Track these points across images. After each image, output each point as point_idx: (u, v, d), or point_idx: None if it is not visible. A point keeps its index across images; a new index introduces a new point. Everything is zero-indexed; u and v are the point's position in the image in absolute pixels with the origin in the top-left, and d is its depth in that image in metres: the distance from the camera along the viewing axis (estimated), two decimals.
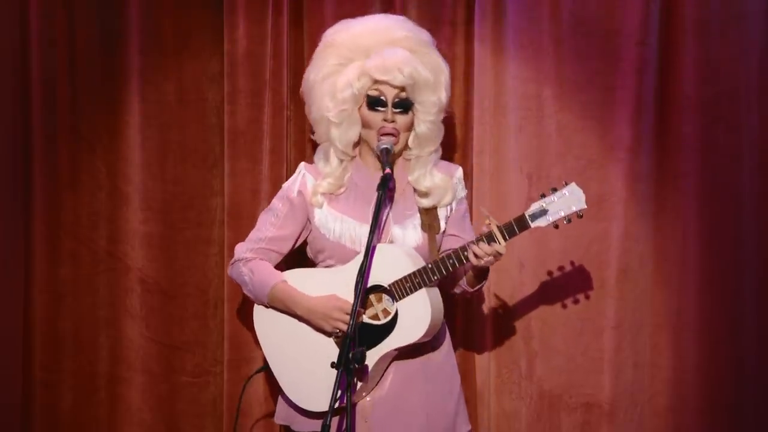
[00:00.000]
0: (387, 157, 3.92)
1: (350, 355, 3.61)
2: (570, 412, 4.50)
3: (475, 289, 4.04)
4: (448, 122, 4.29)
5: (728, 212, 4.44)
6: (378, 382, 3.95)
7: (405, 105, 4.00)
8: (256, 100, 4.61)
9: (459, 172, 4.13)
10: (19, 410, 4.64)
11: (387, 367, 3.95)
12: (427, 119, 4.04)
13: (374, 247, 3.88)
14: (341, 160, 4.08)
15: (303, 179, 4.12)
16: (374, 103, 4.00)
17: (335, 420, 3.86)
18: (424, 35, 4.15)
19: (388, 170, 3.86)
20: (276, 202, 4.15)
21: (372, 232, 3.76)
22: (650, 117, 4.48)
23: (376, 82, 3.98)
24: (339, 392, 3.62)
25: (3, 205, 4.59)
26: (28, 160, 4.65)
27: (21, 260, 4.64)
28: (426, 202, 4.03)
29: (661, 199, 4.48)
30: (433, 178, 4.05)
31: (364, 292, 3.88)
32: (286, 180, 4.58)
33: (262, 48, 4.61)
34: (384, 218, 4.01)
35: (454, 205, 4.09)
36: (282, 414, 4.12)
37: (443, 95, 4.07)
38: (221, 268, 4.65)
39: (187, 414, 4.68)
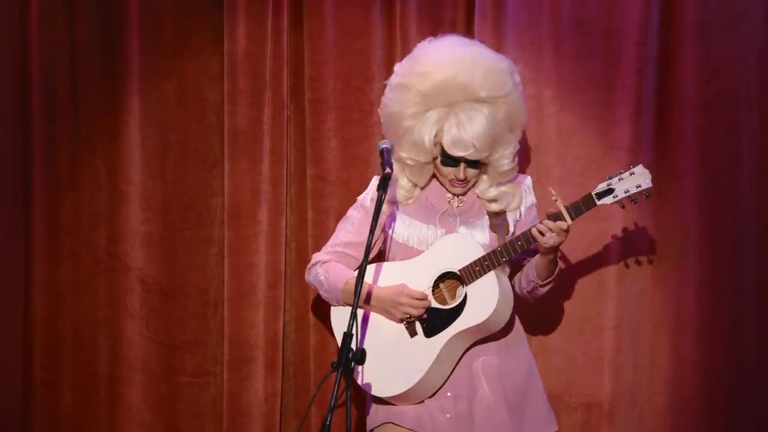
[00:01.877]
0: (388, 157, 3.93)
1: (350, 354, 3.61)
2: (570, 412, 4.50)
3: (545, 282, 4.02)
4: None
5: (728, 212, 4.44)
6: (451, 374, 3.98)
7: (479, 164, 4.01)
8: (256, 100, 4.62)
9: (528, 180, 4.15)
10: (19, 410, 4.64)
11: (461, 359, 3.98)
12: (499, 168, 4.05)
13: (439, 239, 4.00)
14: (414, 185, 4.12)
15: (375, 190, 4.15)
16: (448, 159, 3.99)
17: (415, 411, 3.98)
18: (506, 77, 4.02)
19: (388, 170, 3.87)
20: (351, 211, 4.18)
21: (372, 231, 3.77)
22: (650, 117, 4.48)
23: None
24: (336, 391, 3.62)
25: (3, 205, 4.59)
26: (28, 160, 4.64)
27: (21, 260, 4.64)
28: (495, 206, 4.06)
29: (661, 199, 4.48)
30: (499, 187, 4.07)
31: (362, 292, 3.90)
32: (287, 180, 4.60)
33: (262, 48, 4.61)
34: (438, 221, 4.06)
35: (523, 210, 4.11)
36: (380, 414, 4.08)
37: (518, 136, 4.07)
38: (221, 268, 4.65)
39: (187, 414, 4.68)
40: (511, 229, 4.07)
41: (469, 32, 4.53)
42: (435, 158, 4.02)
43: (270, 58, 4.61)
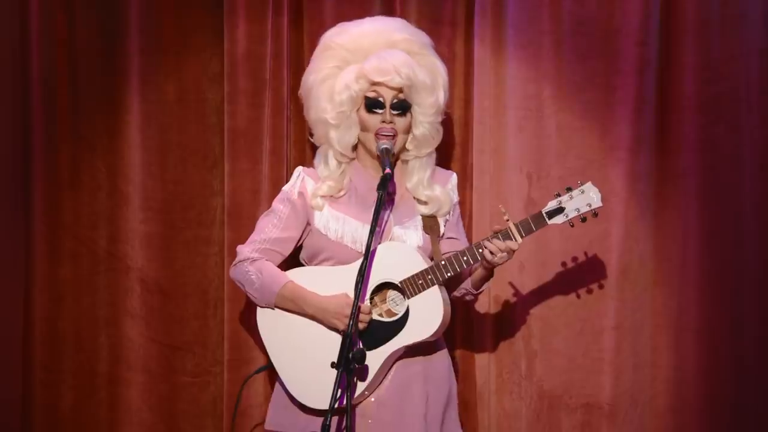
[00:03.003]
0: (388, 157, 3.92)
1: (350, 355, 3.61)
2: (570, 412, 4.50)
3: (479, 291, 4.04)
4: (447, 122, 4.29)
5: (728, 212, 4.44)
6: (381, 381, 3.95)
7: (403, 106, 4.00)
8: (256, 100, 4.62)
9: (453, 179, 4.15)
10: (20, 410, 4.64)
11: (390, 367, 3.95)
12: (425, 121, 4.04)
13: (376, 247, 3.91)
14: (340, 163, 4.09)
15: (303, 182, 4.12)
16: (372, 105, 4.00)
17: (333, 419, 3.87)
18: (424, 37, 4.16)
19: (388, 170, 3.86)
20: (277, 204, 4.15)
21: (372, 232, 3.76)
22: (650, 117, 4.48)
23: (374, 84, 3.99)
24: (339, 392, 3.62)
25: (3, 205, 4.59)
26: (28, 160, 4.65)
27: (21, 260, 4.64)
28: (425, 210, 4.05)
29: (662, 199, 4.48)
30: (433, 190, 4.07)
31: (365, 291, 3.89)
32: (287, 180, 4.60)
33: (262, 48, 4.61)
34: (385, 220, 4.02)
35: (450, 211, 4.11)
36: (275, 420, 4.08)
37: (441, 97, 4.08)
38: (221, 268, 4.65)
39: (187, 414, 4.68)
40: (442, 230, 4.06)
41: (469, 31, 4.54)
42: (358, 109, 4.01)
43: (270, 58, 4.61)
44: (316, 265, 4.07)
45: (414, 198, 4.07)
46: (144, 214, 4.67)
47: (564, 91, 4.50)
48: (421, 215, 4.04)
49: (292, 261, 4.17)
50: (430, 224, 4.03)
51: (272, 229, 4.10)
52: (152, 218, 4.67)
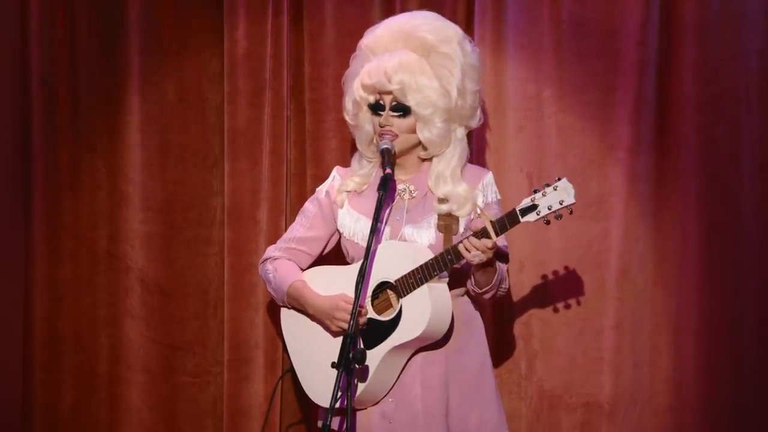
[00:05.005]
0: (388, 157, 3.91)
1: (350, 355, 3.61)
2: (570, 412, 4.50)
3: (483, 291, 3.92)
4: None
5: (728, 212, 4.44)
6: (396, 381, 3.93)
7: (402, 109, 3.96)
8: (256, 100, 4.62)
9: (488, 177, 4.05)
10: (20, 410, 4.64)
11: (405, 367, 3.93)
12: (426, 124, 3.97)
13: (377, 247, 3.90)
14: (369, 161, 4.09)
15: (332, 181, 4.14)
16: (374, 107, 3.99)
17: (337, 419, 3.92)
18: (447, 31, 4.01)
19: (388, 170, 3.86)
20: (307, 204, 4.17)
21: (372, 232, 3.76)
22: (650, 117, 4.48)
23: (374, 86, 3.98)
24: (339, 393, 3.63)
25: (3, 205, 4.59)
26: (28, 160, 4.65)
27: (21, 260, 4.65)
28: (443, 207, 3.97)
29: (661, 199, 4.48)
30: (454, 188, 3.98)
31: (365, 291, 3.89)
32: (287, 180, 4.61)
33: (262, 48, 4.61)
34: (397, 219, 3.99)
35: (479, 210, 3.96)
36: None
37: (452, 96, 3.96)
38: (221, 268, 4.65)
39: (187, 414, 4.69)
40: (461, 229, 3.95)
41: (469, 32, 4.53)
42: (368, 112, 4.00)
43: (270, 58, 4.61)
44: (352, 262, 4.07)
45: (435, 196, 4.02)
46: (144, 214, 4.67)
47: (564, 92, 4.50)
48: (438, 213, 3.98)
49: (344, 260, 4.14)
50: (446, 223, 3.95)
51: (298, 228, 4.13)
52: (152, 218, 4.67)
